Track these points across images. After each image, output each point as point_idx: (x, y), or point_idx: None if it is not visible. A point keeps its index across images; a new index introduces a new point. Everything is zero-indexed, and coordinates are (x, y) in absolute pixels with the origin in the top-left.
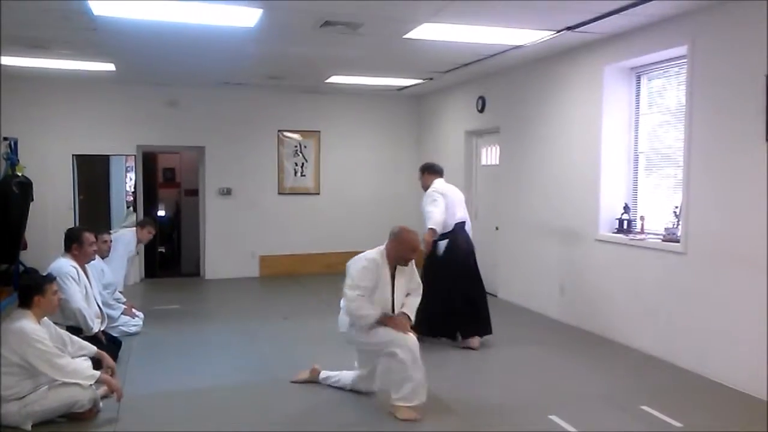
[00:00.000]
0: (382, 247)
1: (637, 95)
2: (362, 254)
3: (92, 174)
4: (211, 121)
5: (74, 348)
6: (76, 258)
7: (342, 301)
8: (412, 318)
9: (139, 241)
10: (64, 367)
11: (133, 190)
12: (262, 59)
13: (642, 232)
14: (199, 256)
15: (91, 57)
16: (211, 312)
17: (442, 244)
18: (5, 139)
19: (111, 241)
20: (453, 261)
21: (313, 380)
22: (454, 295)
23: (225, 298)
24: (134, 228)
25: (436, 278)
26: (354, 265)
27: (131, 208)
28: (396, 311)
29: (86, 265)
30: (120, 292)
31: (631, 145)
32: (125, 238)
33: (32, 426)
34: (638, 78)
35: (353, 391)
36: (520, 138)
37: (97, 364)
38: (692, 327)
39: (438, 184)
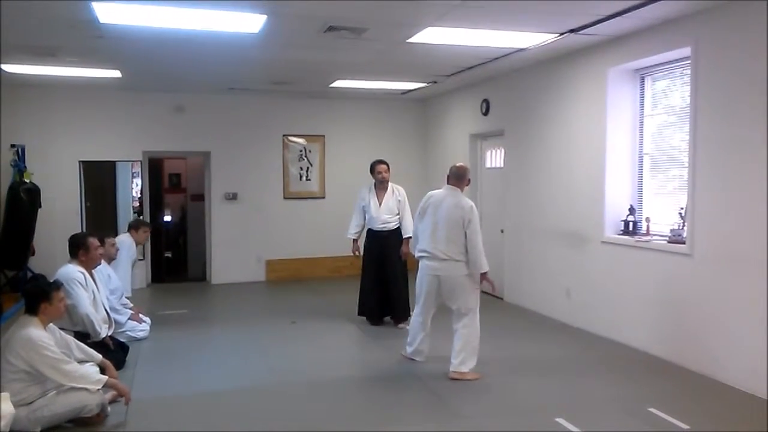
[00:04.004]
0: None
1: (642, 96)
2: (466, 200)
3: (99, 180)
4: (216, 126)
5: (80, 353)
6: (83, 263)
7: (479, 240)
8: None
9: (137, 243)
10: (72, 373)
11: (139, 195)
12: (267, 65)
13: (647, 233)
14: (206, 260)
15: (98, 64)
16: (218, 316)
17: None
18: (13, 146)
19: (117, 244)
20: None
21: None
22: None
23: (232, 302)
24: (129, 232)
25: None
26: (474, 210)
27: (138, 215)
28: None
29: (93, 271)
30: (127, 298)
31: (636, 146)
32: (125, 244)
33: (41, 431)
34: (642, 79)
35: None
36: (525, 140)
37: (101, 372)
38: (698, 328)
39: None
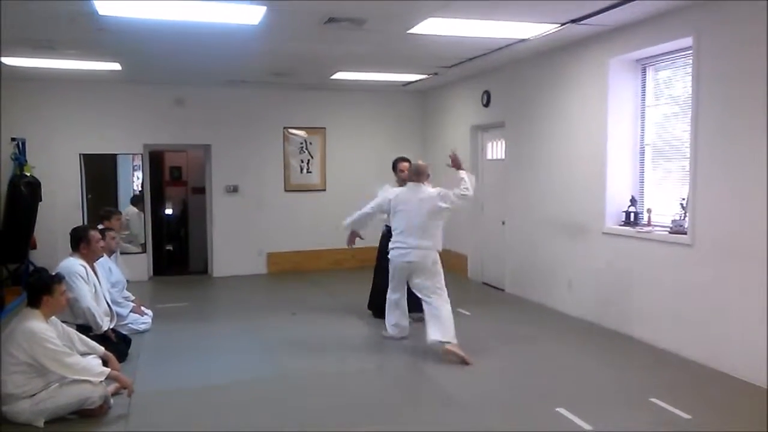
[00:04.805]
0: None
1: (643, 87)
2: (428, 189)
3: (100, 173)
4: (217, 119)
5: (82, 346)
6: (84, 257)
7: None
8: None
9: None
10: (74, 365)
11: (140, 188)
12: (267, 57)
13: (649, 224)
14: (207, 253)
15: (98, 57)
16: (220, 309)
17: None
18: (13, 139)
19: (116, 237)
20: None
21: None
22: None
23: (233, 295)
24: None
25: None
26: (440, 191)
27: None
28: None
29: (95, 264)
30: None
31: (638, 137)
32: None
33: (44, 423)
34: (644, 70)
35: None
36: (526, 132)
37: (104, 364)
38: (699, 319)
39: None
